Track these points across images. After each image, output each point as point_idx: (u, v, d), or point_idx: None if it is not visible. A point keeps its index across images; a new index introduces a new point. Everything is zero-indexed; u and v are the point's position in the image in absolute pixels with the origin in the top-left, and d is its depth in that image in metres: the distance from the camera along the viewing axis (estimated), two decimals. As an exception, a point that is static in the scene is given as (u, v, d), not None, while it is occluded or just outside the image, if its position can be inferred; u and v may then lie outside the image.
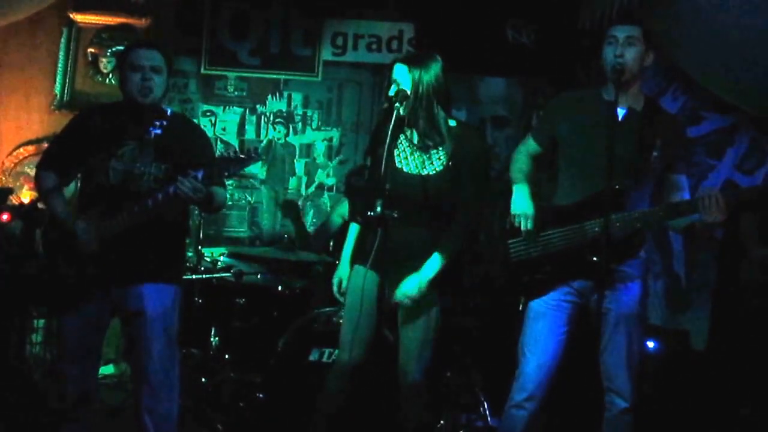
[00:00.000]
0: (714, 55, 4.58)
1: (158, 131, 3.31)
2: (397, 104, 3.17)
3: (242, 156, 3.11)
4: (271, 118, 6.00)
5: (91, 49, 5.87)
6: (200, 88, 5.99)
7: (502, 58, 5.81)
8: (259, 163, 5.90)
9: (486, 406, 4.31)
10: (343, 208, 5.23)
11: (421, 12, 5.86)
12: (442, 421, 4.19)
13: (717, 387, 4.24)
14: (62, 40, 5.88)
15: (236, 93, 6.01)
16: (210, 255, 5.35)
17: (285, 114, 6.00)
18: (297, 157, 5.97)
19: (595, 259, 3.08)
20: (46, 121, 5.84)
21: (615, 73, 3.07)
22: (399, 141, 3.29)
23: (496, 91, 5.91)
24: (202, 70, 5.99)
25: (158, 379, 3.31)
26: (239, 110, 6.00)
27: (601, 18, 4.64)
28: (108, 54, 5.84)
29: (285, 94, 6.01)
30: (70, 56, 5.88)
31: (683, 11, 4.48)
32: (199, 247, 5.01)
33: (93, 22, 5.89)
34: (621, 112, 3.16)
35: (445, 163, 3.24)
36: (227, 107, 6.00)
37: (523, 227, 3.25)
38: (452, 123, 3.27)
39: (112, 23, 5.87)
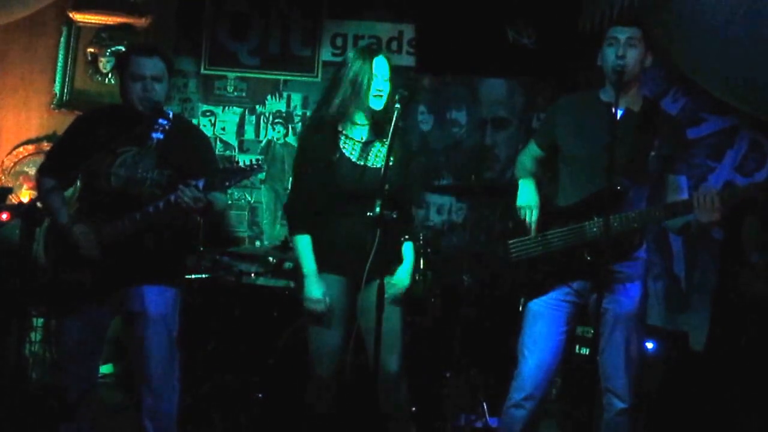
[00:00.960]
0: (714, 57, 4.59)
1: (160, 136, 3.31)
2: (398, 105, 3.19)
3: (245, 168, 3.12)
4: (271, 118, 6.00)
5: (90, 49, 5.87)
6: (200, 87, 5.99)
7: (502, 59, 5.80)
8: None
9: (485, 406, 4.32)
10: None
11: (421, 13, 5.86)
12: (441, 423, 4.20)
13: (716, 388, 4.24)
14: (62, 39, 5.88)
15: (236, 93, 6.01)
16: (209, 255, 5.34)
17: (284, 114, 6.00)
18: (296, 157, 5.97)
19: (589, 258, 3.09)
20: (45, 120, 5.84)
21: (615, 74, 3.07)
22: (343, 140, 3.33)
23: (496, 93, 5.91)
24: (202, 70, 5.99)
25: (159, 379, 3.32)
26: (239, 110, 6.00)
27: (601, 19, 4.65)
28: (107, 54, 5.84)
29: (284, 94, 6.01)
30: (70, 56, 5.88)
31: (683, 13, 4.49)
32: (199, 247, 5.01)
33: (93, 21, 5.89)
34: (618, 113, 3.15)
35: (385, 154, 3.22)
36: (227, 107, 6.00)
37: (528, 219, 3.29)
38: None
39: (111, 23, 5.87)
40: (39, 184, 3.45)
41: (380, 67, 3.30)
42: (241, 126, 5.99)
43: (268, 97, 6.00)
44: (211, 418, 4.35)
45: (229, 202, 5.86)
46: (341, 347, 3.30)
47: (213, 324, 4.84)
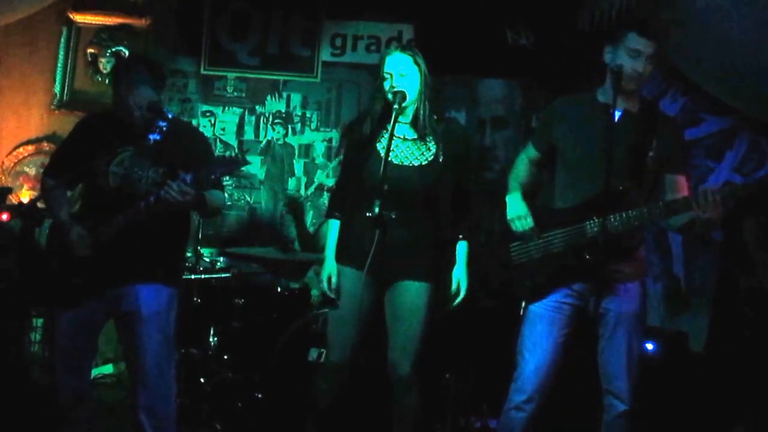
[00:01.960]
0: (713, 58, 4.59)
1: (157, 136, 3.33)
2: (396, 106, 3.20)
3: (229, 160, 3.21)
4: (270, 118, 6.00)
5: (90, 49, 5.88)
6: (200, 88, 5.99)
7: (501, 59, 5.81)
8: (258, 163, 5.91)
9: (485, 407, 4.32)
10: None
11: (421, 13, 5.86)
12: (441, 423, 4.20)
13: (715, 389, 4.24)
14: (62, 40, 5.89)
15: (235, 93, 6.01)
16: (209, 255, 5.35)
17: (284, 114, 6.00)
18: (296, 157, 5.97)
19: (588, 257, 3.09)
20: (45, 120, 5.85)
21: (631, 82, 3.11)
22: (380, 135, 3.32)
23: (495, 93, 5.91)
24: (202, 70, 5.99)
25: (154, 379, 3.31)
26: (238, 110, 6.01)
27: (600, 19, 4.66)
28: (107, 54, 5.85)
29: (284, 94, 6.01)
30: (70, 56, 5.89)
31: (682, 13, 4.50)
32: (198, 247, 5.01)
33: (92, 22, 5.90)
34: (616, 114, 3.17)
35: (435, 152, 3.31)
36: (226, 107, 6.01)
37: (522, 228, 3.30)
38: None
39: (111, 23, 5.88)
40: (41, 184, 3.55)
41: (393, 64, 3.27)
42: (240, 126, 5.99)
43: (268, 97, 6.01)
44: (211, 418, 4.36)
45: (229, 202, 5.87)
46: (353, 338, 3.30)
47: (212, 324, 4.85)
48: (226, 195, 3.71)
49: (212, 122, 5.98)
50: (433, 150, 3.33)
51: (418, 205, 3.29)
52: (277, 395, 4.27)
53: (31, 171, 5.78)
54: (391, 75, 3.26)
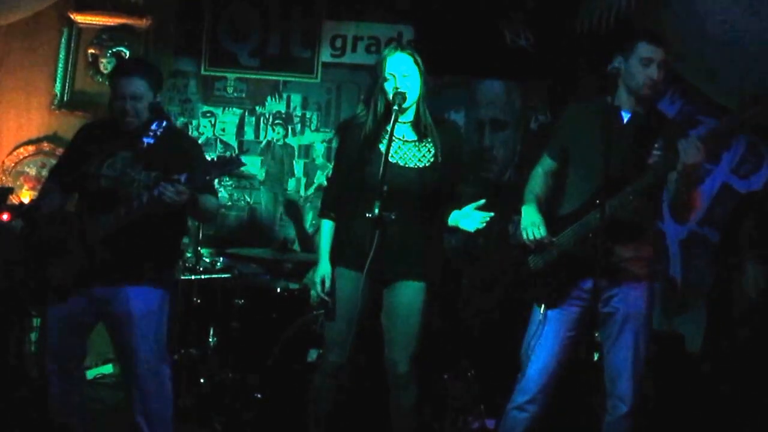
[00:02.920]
0: (711, 59, 4.60)
1: (150, 141, 3.35)
2: (395, 107, 3.21)
3: (225, 161, 3.20)
4: (270, 119, 6.01)
5: (91, 50, 5.89)
6: (200, 88, 6.00)
7: (500, 60, 5.82)
8: (258, 164, 5.93)
9: (482, 407, 4.33)
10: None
11: (420, 14, 5.87)
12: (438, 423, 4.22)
13: (711, 391, 4.26)
14: (62, 40, 5.89)
15: (235, 94, 6.02)
16: (209, 255, 5.36)
17: (284, 115, 6.01)
18: (296, 158, 5.99)
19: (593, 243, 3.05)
20: (46, 120, 5.85)
21: (647, 89, 3.16)
22: (382, 136, 3.32)
23: (493, 94, 5.91)
24: (202, 71, 6.00)
25: (147, 381, 3.33)
26: (238, 111, 6.02)
27: (599, 21, 4.67)
28: (108, 54, 5.86)
29: (284, 95, 6.03)
30: (70, 56, 5.90)
31: (680, 15, 4.51)
32: (198, 248, 5.03)
33: (93, 22, 5.90)
34: (625, 116, 3.22)
35: (434, 154, 3.33)
36: (226, 108, 6.02)
37: (537, 236, 3.24)
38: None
39: (112, 24, 5.88)
40: (41, 189, 3.62)
41: (395, 64, 3.27)
42: (240, 127, 6.00)
43: (268, 98, 6.02)
44: (211, 418, 4.37)
45: (229, 203, 5.89)
46: (348, 338, 3.30)
47: (211, 324, 4.86)
48: (219, 201, 3.72)
49: (212, 123, 5.99)
50: (433, 152, 3.35)
51: (418, 207, 3.31)
52: (277, 395, 4.28)
53: (32, 171, 5.79)
54: (395, 76, 3.26)
